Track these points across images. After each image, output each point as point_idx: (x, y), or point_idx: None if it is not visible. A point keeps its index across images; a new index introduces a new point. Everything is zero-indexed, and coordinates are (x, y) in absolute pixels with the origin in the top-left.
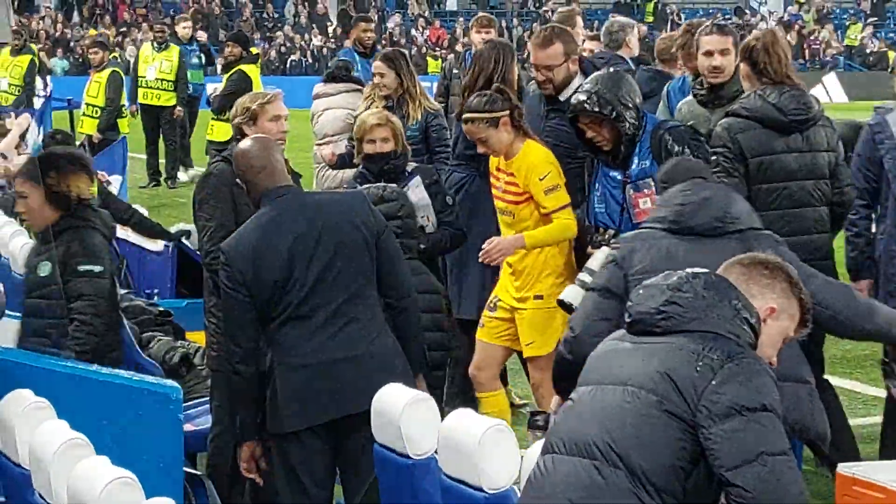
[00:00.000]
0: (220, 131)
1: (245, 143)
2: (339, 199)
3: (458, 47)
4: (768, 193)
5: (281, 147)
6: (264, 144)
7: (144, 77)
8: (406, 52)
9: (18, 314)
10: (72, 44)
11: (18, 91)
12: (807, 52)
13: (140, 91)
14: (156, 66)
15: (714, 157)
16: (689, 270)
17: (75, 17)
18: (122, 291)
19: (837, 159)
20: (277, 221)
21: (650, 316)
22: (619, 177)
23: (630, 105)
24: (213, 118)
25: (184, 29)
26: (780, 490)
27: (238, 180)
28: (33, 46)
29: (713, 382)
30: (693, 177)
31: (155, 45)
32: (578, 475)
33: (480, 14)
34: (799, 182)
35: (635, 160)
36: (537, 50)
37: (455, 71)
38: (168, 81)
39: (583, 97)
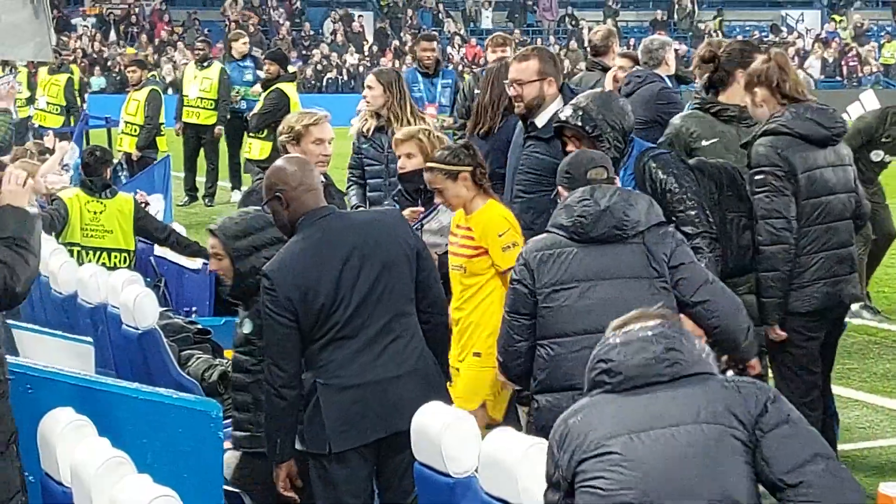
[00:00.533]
0: (260, 149)
1: (283, 162)
2: (380, 218)
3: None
4: (814, 208)
5: (322, 170)
6: (303, 164)
7: (187, 95)
8: (399, 73)
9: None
10: (109, 62)
11: (57, 109)
12: (844, 69)
13: (185, 110)
14: (197, 84)
15: (761, 177)
16: (649, 324)
17: (112, 36)
18: (161, 309)
19: (856, 174)
20: (323, 244)
21: (653, 365)
22: None
23: (616, 127)
24: (251, 136)
25: (242, 45)
26: (842, 486)
27: (272, 197)
28: (74, 67)
29: (764, 402)
30: (595, 166)
31: (197, 63)
32: None
33: (496, 34)
34: (837, 195)
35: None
36: (513, 64)
37: (476, 91)
38: (209, 100)
39: (569, 111)
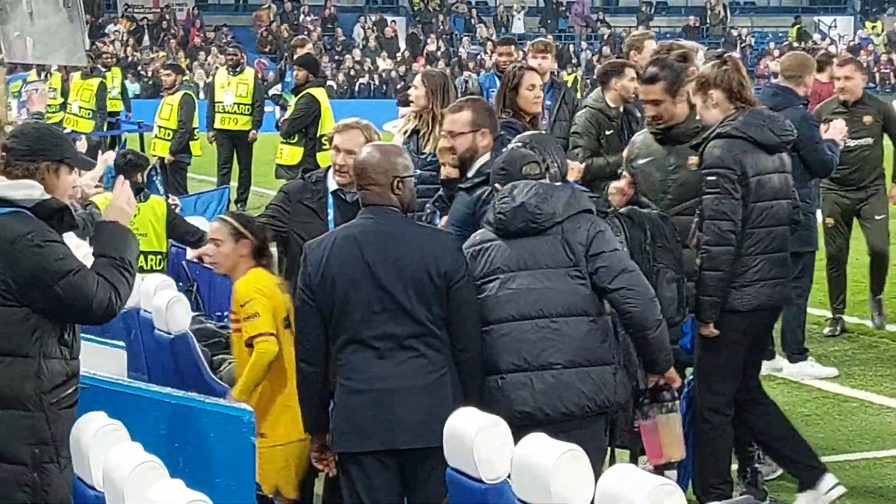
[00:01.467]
0: (291, 154)
1: (368, 149)
2: (425, 237)
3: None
4: (760, 211)
5: (342, 180)
6: (390, 153)
7: (222, 102)
8: (449, 78)
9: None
10: (140, 67)
11: (89, 114)
12: (877, 75)
13: (218, 116)
14: (232, 90)
15: (713, 178)
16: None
17: (145, 41)
18: (194, 314)
19: (792, 181)
20: (361, 239)
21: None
22: None
23: (554, 163)
24: (282, 142)
25: (306, 52)
26: (644, 286)
27: (357, 182)
28: (116, 70)
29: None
30: (528, 162)
31: (229, 69)
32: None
33: (538, 40)
34: (779, 201)
35: None
36: (447, 114)
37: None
38: (245, 105)
39: (514, 143)
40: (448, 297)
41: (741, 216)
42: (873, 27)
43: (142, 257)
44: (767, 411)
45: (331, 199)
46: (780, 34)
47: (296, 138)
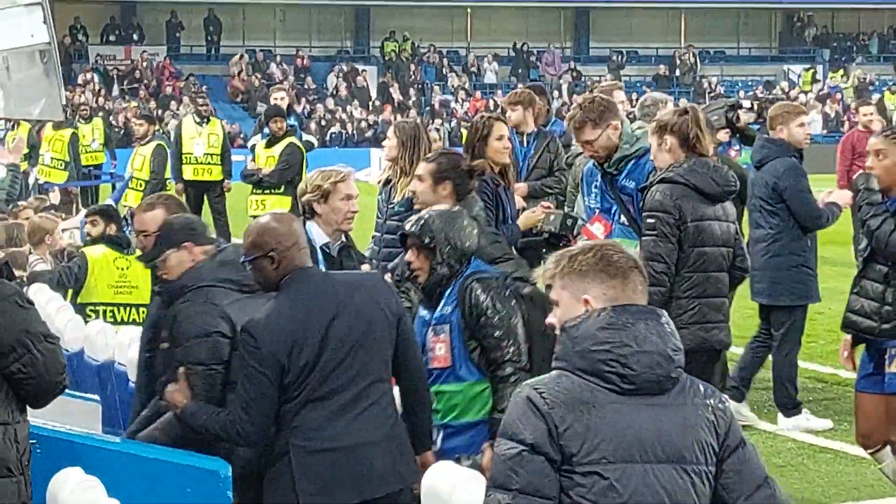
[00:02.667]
0: (276, 205)
1: (275, 221)
2: (366, 281)
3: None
4: (698, 256)
5: (350, 227)
6: (292, 221)
7: (192, 153)
8: (422, 128)
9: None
10: (111, 116)
11: (61, 165)
12: (846, 124)
13: (189, 168)
14: (203, 141)
15: (652, 221)
16: (641, 310)
17: (115, 90)
18: None
19: (737, 229)
20: (311, 303)
21: (663, 381)
22: (426, 317)
23: (454, 245)
24: (260, 192)
25: (280, 101)
26: None
27: (262, 254)
28: (98, 122)
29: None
30: None
31: (197, 118)
32: None
33: (514, 90)
34: (719, 248)
35: (441, 303)
36: (137, 213)
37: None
38: (216, 155)
39: (413, 219)
40: (397, 334)
41: (676, 259)
42: (843, 76)
43: (134, 311)
44: None
45: (320, 255)
46: (750, 83)
47: (283, 188)
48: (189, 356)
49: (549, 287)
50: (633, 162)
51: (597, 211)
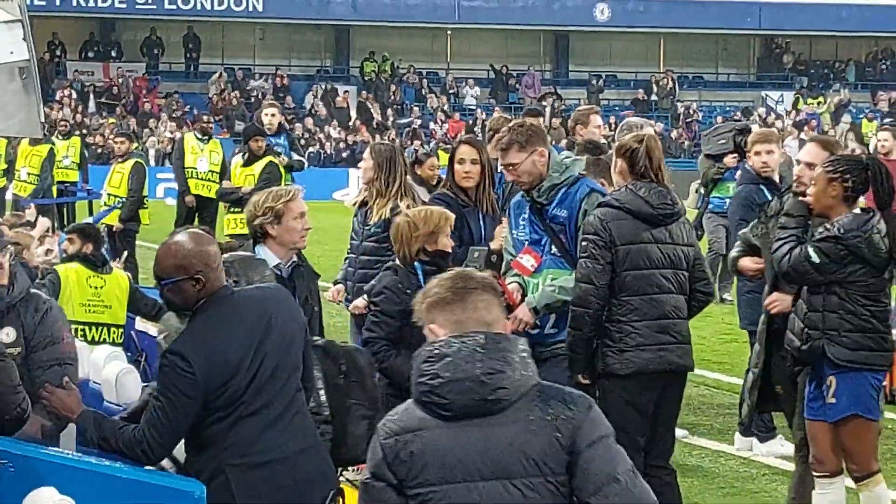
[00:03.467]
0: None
1: (189, 240)
2: (280, 294)
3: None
4: (634, 280)
5: (304, 244)
6: (210, 240)
7: (195, 168)
8: (398, 150)
9: None
10: (87, 133)
11: (37, 180)
12: None
13: (190, 182)
14: (205, 157)
15: (584, 244)
16: (468, 335)
17: (91, 107)
18: (144, 385)
19: (697, 253)
20: (234, 322)
21: (482, 405)
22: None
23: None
24: (238, 210)
25: (271, 117)
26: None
27: (186, 277)
28: (76, 140)
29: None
30: None
31: (199, 135)
32: None
33: (495, 117)
34: (661, 270)
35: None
36: None
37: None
38: (216, 173)
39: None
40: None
41: (609, 281)
42: (818, 102)
43: (105, 330)
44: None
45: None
46: (728, 108)
47: None
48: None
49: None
50: (563, 190)
51: (526, 243)
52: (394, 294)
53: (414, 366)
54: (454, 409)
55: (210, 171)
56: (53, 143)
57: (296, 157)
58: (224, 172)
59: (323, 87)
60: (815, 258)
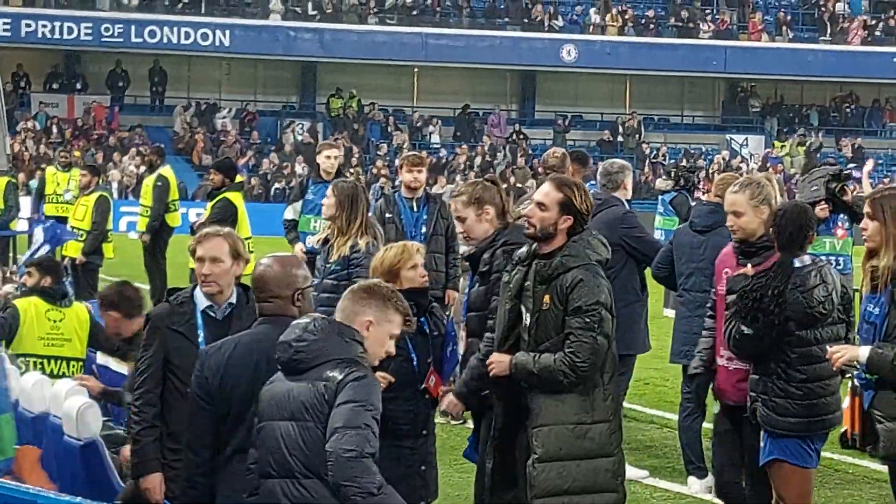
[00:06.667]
0: None
1: (268, 261)
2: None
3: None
4: None
5: (208, 290)
6: (285, 266)
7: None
8: (361, 188)
9: None
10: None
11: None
12: (786, 195)
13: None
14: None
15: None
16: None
17: (55, 138)
18: (104, 419)
19: None
20: (257, 348)
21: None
22: None
23: None
24: None
25: (332, 160)
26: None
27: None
28: (76, 171)
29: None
30: None
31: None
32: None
33: (410, 154)
34: None
35: None
36: None
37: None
38: (147, 207)
39: None
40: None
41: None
42: (782, 146)
43: (64, 364)
44: None
45: (200, 320)
46: (692, 150)
47: None
48: None
49: None
50: None
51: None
52: None
53: None
54: (281, 364)
55: (143, 205)
56: (14, 176)
57: None
58: (153, 206)
59: (289, 122)
60: (748, 330)
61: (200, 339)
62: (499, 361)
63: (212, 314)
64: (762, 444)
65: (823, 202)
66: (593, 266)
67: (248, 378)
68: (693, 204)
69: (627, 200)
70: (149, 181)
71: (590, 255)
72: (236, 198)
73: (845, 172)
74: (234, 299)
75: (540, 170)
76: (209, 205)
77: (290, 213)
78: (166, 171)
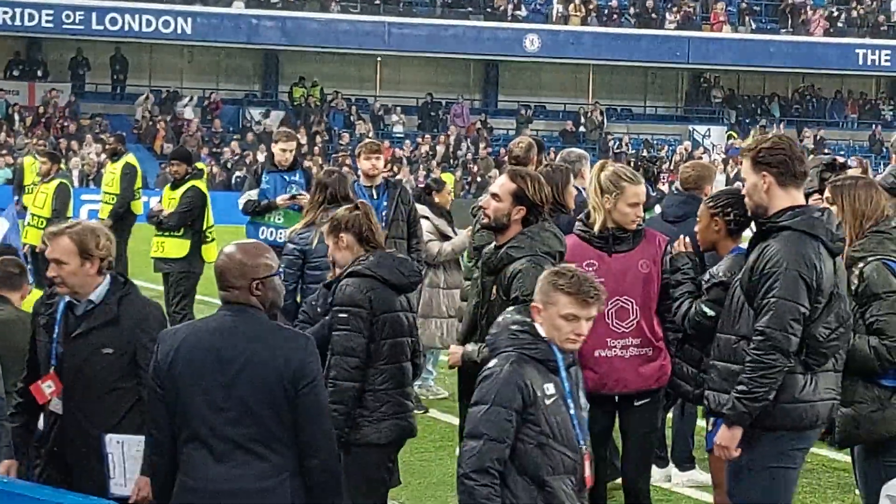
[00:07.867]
0: (174, 248)
1: (229, 250)
2: (279, 338)
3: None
4: (391, 348)
5: (58, 291)
6: (245, 255)
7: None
8: (340, 178)
9: None
10: (12, 153)
11: None
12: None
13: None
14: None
15: (344, 316)
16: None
17: (17, 126)
18: None
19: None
20: (211, 335)
21: None
22: None
23: None
24: (160, 234)
25: (286, 153)
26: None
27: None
28: (30, 159)
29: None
30: None
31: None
32: None
33: (368, 141)
34: (407, 338)
35: None
36: None
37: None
38: (112, 195)
39: None
40: (295, 402)
41: (368, 354)
42: (743, 137)
43: None
44: None
45: (59, 314)
46: (656, 142)
47: (182, 231)
48: None
49: None
50: None
51: None
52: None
53: None
54: None
55: (106, 192)
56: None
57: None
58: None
59: (251, 111)
60: (710, 312)
61: (55, 334)
62: (453, 353)
63: (72, 310)
64: (710, 430)
65: (817, 193)
66: (539, 258)
67: (196, 365)
68: (654, 195)
69: (585, 189)
70: (114, 169)
71: (537, 246)
72: (202, 185)
73: (840, 162)
74: (95, 296)
75: (505, 159)
76: (178, 193)
77: (244, 201)
78: (131, 158)
